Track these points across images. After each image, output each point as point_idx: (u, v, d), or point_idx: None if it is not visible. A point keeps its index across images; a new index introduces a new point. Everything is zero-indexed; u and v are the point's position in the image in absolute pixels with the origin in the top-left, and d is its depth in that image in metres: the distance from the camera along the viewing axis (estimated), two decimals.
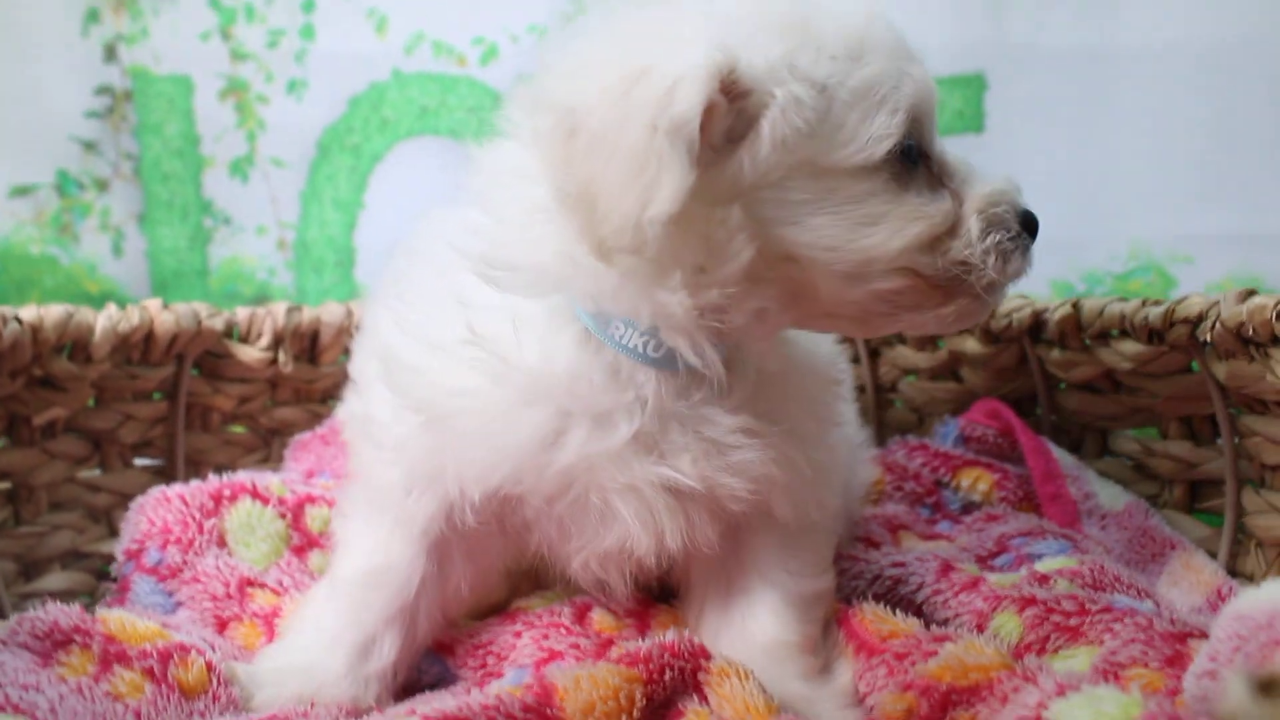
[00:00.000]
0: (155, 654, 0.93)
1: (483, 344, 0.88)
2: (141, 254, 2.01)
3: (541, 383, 0.87)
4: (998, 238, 0.88)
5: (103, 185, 1.98)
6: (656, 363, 0.87)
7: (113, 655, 0.92)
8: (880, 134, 0.81)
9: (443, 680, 1.06)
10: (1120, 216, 1.94)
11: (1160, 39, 1.90)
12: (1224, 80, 1.88)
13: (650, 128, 0.72)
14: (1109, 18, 1.91)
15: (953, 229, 0.86)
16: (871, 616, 1.02)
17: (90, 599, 1.30)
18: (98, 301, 1.95)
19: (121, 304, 1.95)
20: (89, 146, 1.96)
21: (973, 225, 0.87)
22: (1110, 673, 0.89)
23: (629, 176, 0.72)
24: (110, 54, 1.96)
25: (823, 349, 1.01)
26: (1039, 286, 1.96)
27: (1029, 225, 0.90)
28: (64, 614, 0.95)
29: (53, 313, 1.23)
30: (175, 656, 0.94)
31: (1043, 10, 1.93)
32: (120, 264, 2.00)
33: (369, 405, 0.98)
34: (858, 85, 0.81)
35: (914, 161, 0.85)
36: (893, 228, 0.83)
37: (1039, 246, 1.88)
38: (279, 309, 1.51)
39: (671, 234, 0.75)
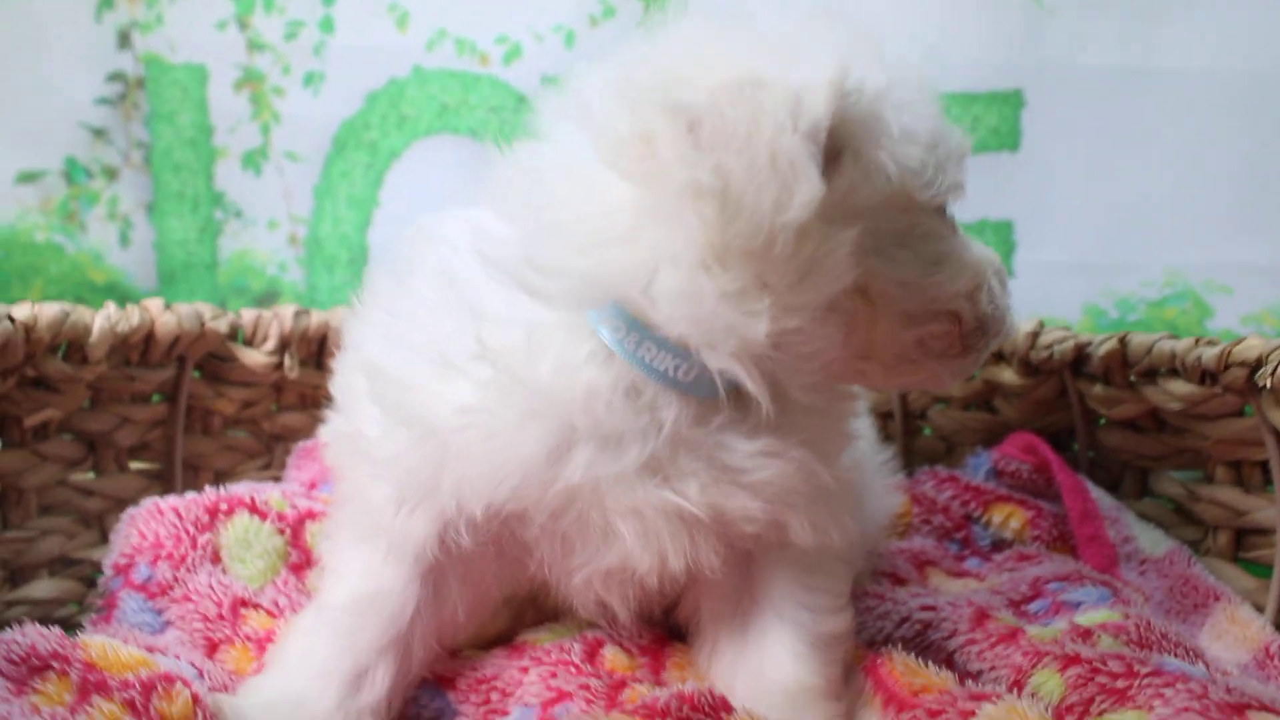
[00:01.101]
0: (138, 685, 0.86)
1: (493, 358, 0.83)
2: (149, 245, 1.95)
3: (553, 398, 0.82)
4: (1008, 298, 0.92)
5: (112, 174, 1.92)
6: (683, 387, 0.82)
7: (92, 685, 0.85)
8: (954, 180, 0.83)
9: (442, 715, 1.00)
10: (1157, 242, 1.88)
11: (1203, 63, 1.84)
12: (1266, 108, 1.83)
13: (788, 129, 0.69)
14: (1151, 39, 1.85)
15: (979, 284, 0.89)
16: (902, 667, 0.96)
17: (79, 607, 1.25)
18: (103, 291, 1.92)
19: (127, 294, 1.93)
20: (99, 134, 1.91)
21: (994, 283, 0.90)
22: None
23: (765, 176, 0.69)
24: (124, 40, 1.90)
25: None
26: (1071, 311, 1.90)
27: None
28: (42, 638, 0.89)
29: (48, 311, 1.17)
30: (159, 688, 0.86)
31: (1084, 29, 1.87)
32: (127, 254, 1.94)
33: (357, 423, 0.92)
34: (933, 129, 0.81)
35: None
36: (953, 270, 0.85)
37: (1073, 267, 1.86)
38: (286, 312, 1.45)
39: (793, 244, 0.72)
